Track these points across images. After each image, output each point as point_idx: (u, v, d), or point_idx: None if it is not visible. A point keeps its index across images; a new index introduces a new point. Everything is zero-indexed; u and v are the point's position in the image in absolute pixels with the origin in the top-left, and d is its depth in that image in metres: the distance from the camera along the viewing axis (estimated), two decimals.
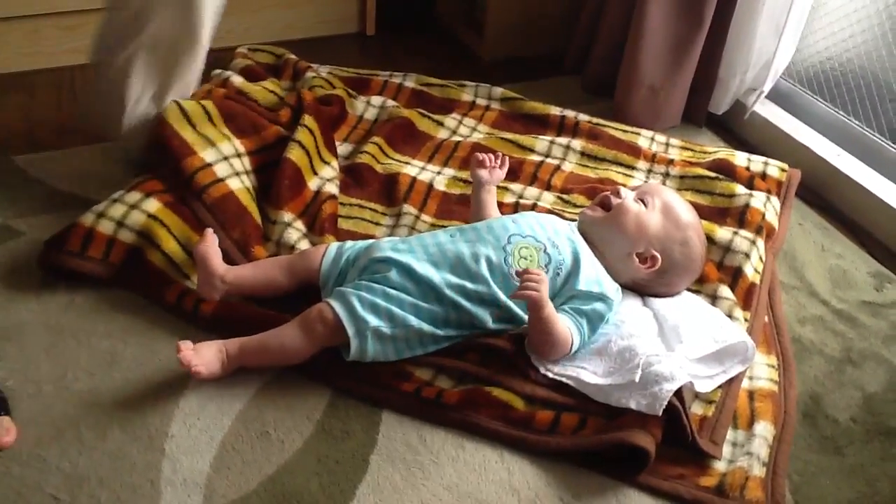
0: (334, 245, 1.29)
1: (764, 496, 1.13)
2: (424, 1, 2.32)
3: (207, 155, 1.38)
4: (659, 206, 1.32)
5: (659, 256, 1.30)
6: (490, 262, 1.23)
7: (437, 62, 2.09)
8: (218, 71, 1.67)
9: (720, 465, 1.16)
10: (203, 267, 1.21)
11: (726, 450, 1.18)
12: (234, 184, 1.38)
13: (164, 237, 1.28)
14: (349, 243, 1.30)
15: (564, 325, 1.19)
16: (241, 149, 1.44)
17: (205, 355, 1.12)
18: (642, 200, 1.33)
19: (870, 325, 1.45)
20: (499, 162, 1.44)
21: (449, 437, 1.15)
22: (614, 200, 1.33)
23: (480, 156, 1.43)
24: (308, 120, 1.52)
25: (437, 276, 1.21)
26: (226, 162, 1.40)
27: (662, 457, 1.13)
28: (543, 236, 1.28)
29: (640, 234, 1.30)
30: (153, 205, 1.31)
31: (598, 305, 1.24)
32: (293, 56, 1.85)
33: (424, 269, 1.22)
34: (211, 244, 1.22)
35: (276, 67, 1.81)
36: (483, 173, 1.42)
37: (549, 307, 1.17)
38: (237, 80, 1.63)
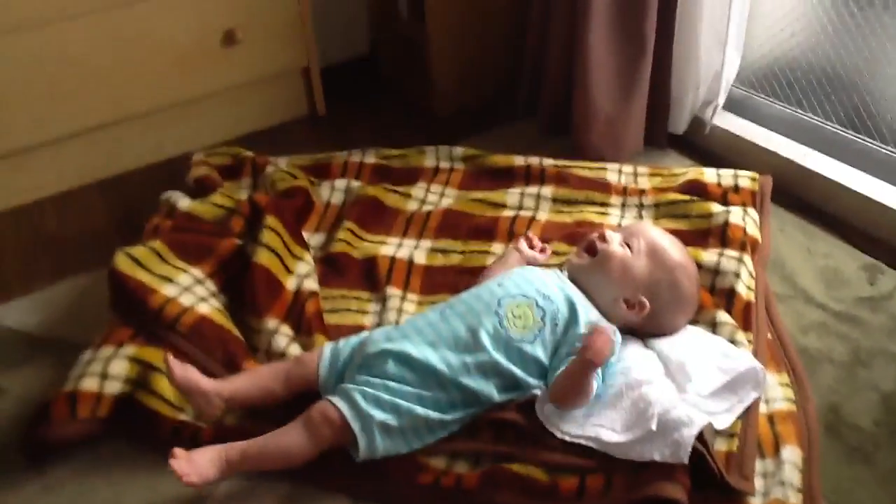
0: (328, 348, 1.26)
1: None
2: (369, 71, 2.32)
3: (168, 290, 1.36)
4: (644, 248, 1.30)
5: (647, 302, 1.28)
6: (488, 332, 1.21)
7: (393, 128, 2.08)
8: (166, 195, 1.65)
9: (755, 501, 1.13)
10: (193, 393, 1.17)
11: (758, 482, 1.16)
12: (204, 308, 1.35)
13: (150, 376, 1.24)
14: (342, 342, 1.27)
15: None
16: (201, 275, 1.42)
17: (199, 463, 1.08)
18: (628, 244, 1.31)
19: (871, 321, 1.44)
20: (541, 247, 1.44)
21: None
22: (599, 245, 1.31)
23: (529, 237, 1.46)
24: (270, 220, 1.49)
25: (435, 358, 1.19)
26: (188, 292, 1.37)
27: (696, 501, 1.11)
28: (532, 290, 1.27)
29: (626, 279, 1.28)
30: (130, 349, 1.27)
31: None
32: (249, 154, 1.83)
33: (422, 352, 1.19)
34: (181, 369, 1.17)
35: (234, 168, 1.79)
36: (525, 248, 1.42)
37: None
38: (184, 203, 1.60)
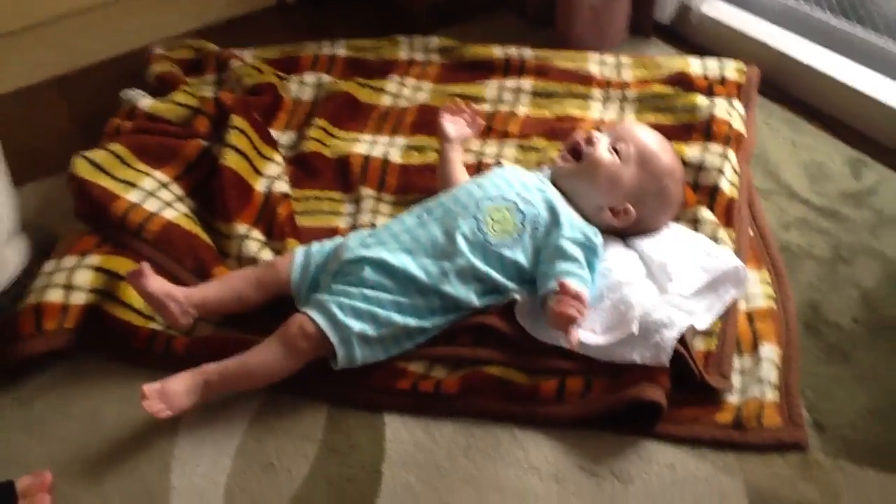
0: (300, 252, 1.22)
1: (782, 420, 1.11)
2: None
3: (132, 196, 1.30)
4: (634, 156, 1.25)
5: (633, 210, 1.24)
6: (466, 236, 1.17)
7: (365, 20, 1.98)
8: (126, 94, 1.56)
9: (733, 398, 1.14)
10: (161, 302, 1.13)
11: (735, 380, 1.16)
12: (170, 214, 1.30)
13: (117, 286, 1.20)
14: (315, 246, 1.23)
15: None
16: (165, 178, 1.36)
17: (173, 393, 1.06)
18: (616, 149, 1.26)
19: (854, 217, 1.42)
20: (467, 117, 1.40)
21: (457, 428, 1.12)
22: (586, 150, 1.26)
23: (451, 106, 1.40)
24: (237, 120, 1.42)
25: (413, 265, 1.16)
26: (153, 197, 1.32)
27: (674, 401, 1.11)
28: (512, 193, 1.23)
29: (614, 189, 1.24)
30: (95, 259, 1.23)
31: (588, 252, 1.20)
32: (213, 46, 1.74)
33: (399, 259, 1.16)
34: (150, 276, 1.13)
35: (196, 63, 1.70)
36: (448, 128, 1.38)
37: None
38: (145, 103, 1.51)
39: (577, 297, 1.07)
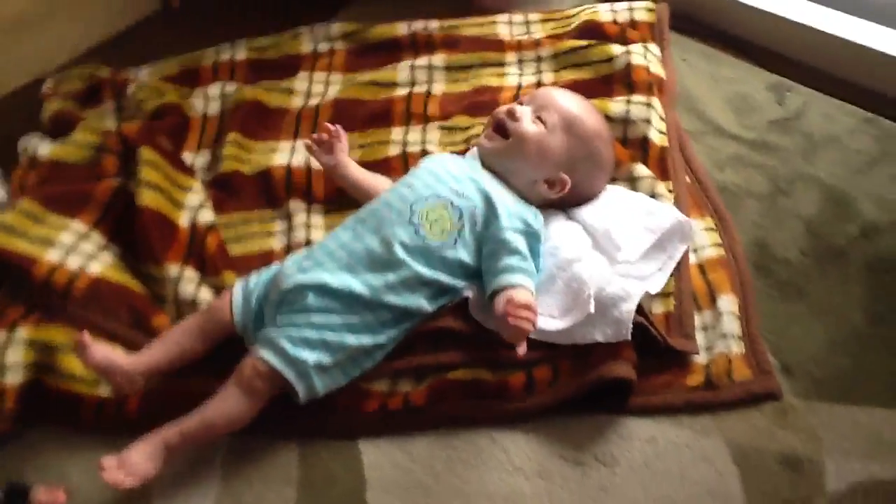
0: (237, 289, 1.17)
1: (751, 372, 1.12)
2: None
3: (52, 255, 1.21)
4: (559, 123, 1.21)
5: (567, 179, 1.21)
6: (405, 244, 1.13)
7: (260, 8, 1.88)
8: (23, 144, 1.45)
9: (701, 358, 1.14)
10: (107, 373, 1.08)
11: (699, 338, 1.17)
12: (96, 268, 1.22)
13: (54, 357, 1.14)
14: (253, 279, 1.18)
15: (525, 289, 1.11)
16: (83, 228, 1.27)
17: (133, 462, 1.01)
18: (540, 119, 1.22)
19: (785, 145, 1.42)
20: (327, 139, 1.30)
21: (434, 440, 1.09)
22: (510, 125, 1.22)
23: (310, 140, 1.31)
24: (146, 153, 1.34)
25: (355, 283, 1.11)
26: (74, 252, 1.23)
27: (643, 371, 1.11)
28: (444, 189, 1.18)
29: (545, 160, 1.21)
30: (25, 332, 1.15)
31: (530, 239, 1.17)
32: (106, 71, 1.63)
33: (340, 279, 1.11)
34: (91, 347, 1.07)
35: (91, 92, 1.59)
36: (323, 158, 1.31)
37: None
38: (44, 150, 1.41)
39: (526, 307, 1.04)
